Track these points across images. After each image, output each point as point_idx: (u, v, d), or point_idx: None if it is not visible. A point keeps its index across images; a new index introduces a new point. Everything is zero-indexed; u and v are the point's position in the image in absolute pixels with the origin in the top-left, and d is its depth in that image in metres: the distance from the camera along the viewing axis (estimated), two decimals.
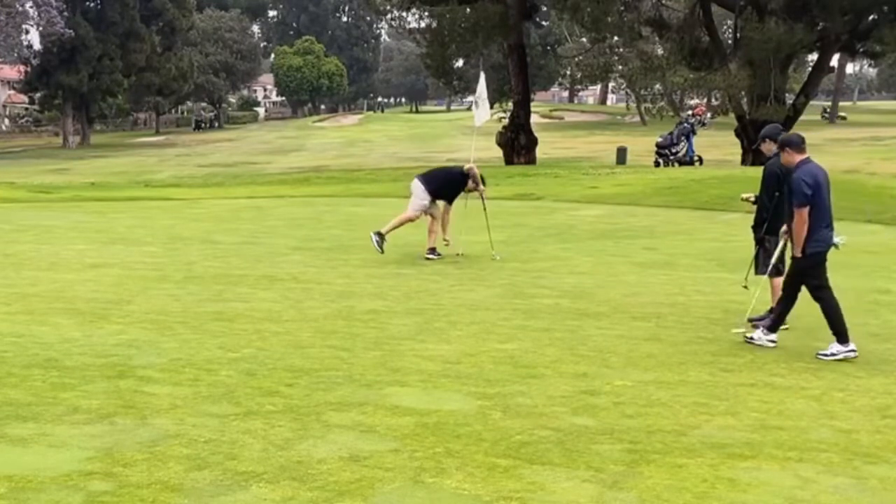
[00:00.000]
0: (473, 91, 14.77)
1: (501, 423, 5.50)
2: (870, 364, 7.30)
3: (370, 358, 7.06)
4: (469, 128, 36.28)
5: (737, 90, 32.75)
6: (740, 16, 32.88)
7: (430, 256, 12.32)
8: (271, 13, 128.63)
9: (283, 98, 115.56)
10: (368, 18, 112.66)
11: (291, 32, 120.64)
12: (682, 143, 34.66)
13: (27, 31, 63.22)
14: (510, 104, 39.86)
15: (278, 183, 29.69)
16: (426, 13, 41.12)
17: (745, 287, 9.15)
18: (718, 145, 42.44)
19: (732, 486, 4.60)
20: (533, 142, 38.68)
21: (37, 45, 65.90)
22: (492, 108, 31.29)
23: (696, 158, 34.03)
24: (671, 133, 35.63)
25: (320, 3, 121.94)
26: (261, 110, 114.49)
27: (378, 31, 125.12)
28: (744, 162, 33.01)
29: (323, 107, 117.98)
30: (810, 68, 41.00)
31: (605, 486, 4.53)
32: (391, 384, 6.32)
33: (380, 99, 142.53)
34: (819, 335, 8.34)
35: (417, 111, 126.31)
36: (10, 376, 6.18)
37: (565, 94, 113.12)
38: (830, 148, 46.26)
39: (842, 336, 7.58)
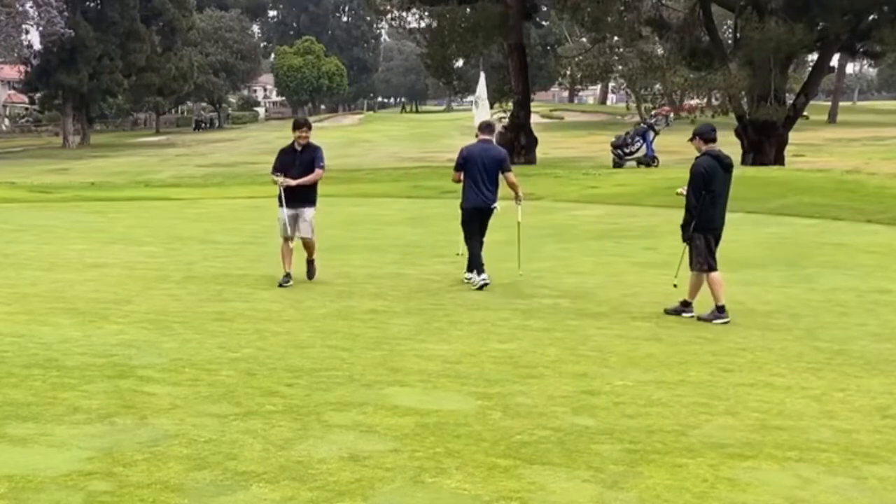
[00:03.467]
0: (473, 91, 14.79)
1: (501, 423, 5.50)
2: (870, 364, 7.30)
3: (370, 358, 7.05)
4: (469, 128, 36.32)
5: (737, 90, 32.77)
6: (740, 16, 32.90)
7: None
8: (271, 13, 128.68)
9: (284, 98, 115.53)
10: (368, 18, 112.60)
11: (291, 32, 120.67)
12: (639, 143, 34.65)
13: (27, 31, 63.23)
14: (510, 104, 39.88)
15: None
16: (426, 13, 41.16)
17: (675, 286, 9.42)
18: (718, 145, 42.35)
19: (732, 486, 4.60)
20: (533, 142, 38.68)
21: (37, 45, 65.88)
22: (492, 108, 31.38)
23: (653, 158, 33.93)
24: (627, 133, 35.73)
25: (320, 3, 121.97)
26: (261, 110, 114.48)
27: (378, 31, 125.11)
28: (744, 162, 33.01)
29: (323, 107, 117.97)
30: (810, 68, 41.01)
31: (605, 486, 4.53)
32: (391, 384, 6.32)
33: (402, 98, 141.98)
34: (819, 335, 8.35)
35: (417, 111, 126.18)
36: (10, 376, 6.17)
37: (565, 94, 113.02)
38: (830, 148, 46.26)
39: (478, 270, 10.46)
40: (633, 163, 34.01)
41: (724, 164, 9.05)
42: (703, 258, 8.99)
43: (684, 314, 9.11)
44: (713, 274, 8.98)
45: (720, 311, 8.92)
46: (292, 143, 10.48)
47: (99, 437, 5.03)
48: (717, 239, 9.16)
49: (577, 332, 8.28)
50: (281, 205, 10.39)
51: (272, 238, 14.85)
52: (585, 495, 4.41)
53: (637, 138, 34.85)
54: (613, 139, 35.37)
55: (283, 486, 4.39)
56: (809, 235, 15.47)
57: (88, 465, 4.58)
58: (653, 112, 38.75)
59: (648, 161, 33.65)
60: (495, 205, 10.65)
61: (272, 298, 9.59)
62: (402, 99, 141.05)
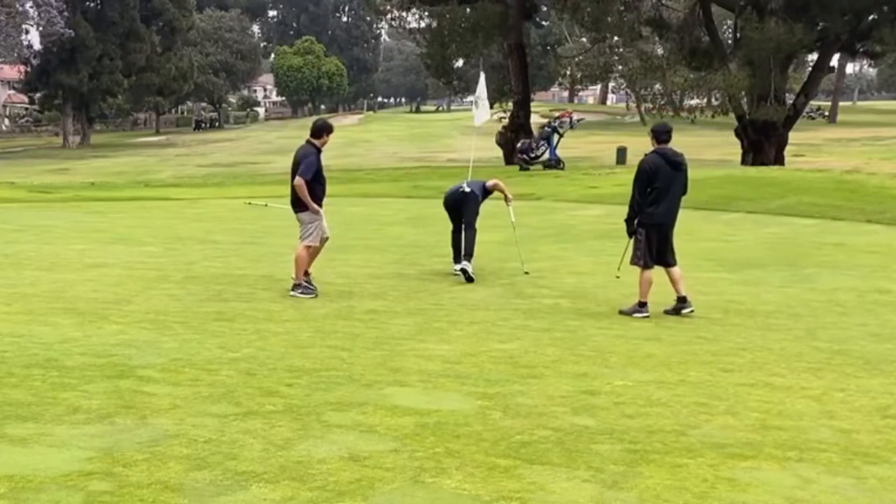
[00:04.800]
0: (473, 91, 14.79)
1: (501, 423, 5.50)
2: (870, 364, 7.30)
3: (370, 358, 7.05)
4: (469, 128, 36.32)
5: (737, 90, 32.76)
6: (740, 16, 32.88)
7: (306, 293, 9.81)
8: (271, 13, 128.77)
9: (283, 98, 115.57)
10: (368, 18, 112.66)
11: (291, 32, 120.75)
12: (543, 147, 34.53)
13: (27, 31, 63.32)
14: (510, 104, 39.87)
15: (278, 183, 29.67)
16: (426, 13, 41.17)
17: (618, 277, 9.71)
18: (718, 145, 42.43)
19: (732, 486, 4.60)
20: None
21: (37, 45, 65.95)
22: (492, 108, 31.34)
23: (557, 161, 33.78)
24: (532, 137, 35.66)
25: (320, 3, 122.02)
26: (261, 110, 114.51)
27: (378, 31, 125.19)
28: (744, 162, 33.02)
29: (323, 107, 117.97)
30: (810, 68, 41.01)
31: (605, 486, 4.53)
32: (391, 384, 6.32)
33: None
34: (818, 335, 8.35)
35: (418, 110, 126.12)
36: (10, 376, 6.17)
37: (565, 94, 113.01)
38: (830, 148, 46.31)
39: (454, 258, 11.19)
40: (540, 166, 33.84)
41: (673, 163, 9.14)
42: (641, 254, 9.19)
43: (683, 311, 9.14)
44: (646, 273, 9.17)
45: (641, 306, 9.14)
46: (314, 146, 10.15)
47: (99, 437, 5.03)
48: (665, 235, 9.26)
49: (577, 332, 8.28)
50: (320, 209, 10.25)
51: (272, 238, 14.87)
52: (585, 495, 4.41)
53: (542, 142, 34.72)
54: (519, 144, 35.19)
55: (283, 486, 4.40)
56: (809, 235, 15.47)
57: (88, 465, 4.58)
58: (556, 115, 38.77)
59: (553, 164, 33.56)
60: (464, 184, 11.39)
61: (272, 298, 9.59)
62: (417, 99, 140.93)
